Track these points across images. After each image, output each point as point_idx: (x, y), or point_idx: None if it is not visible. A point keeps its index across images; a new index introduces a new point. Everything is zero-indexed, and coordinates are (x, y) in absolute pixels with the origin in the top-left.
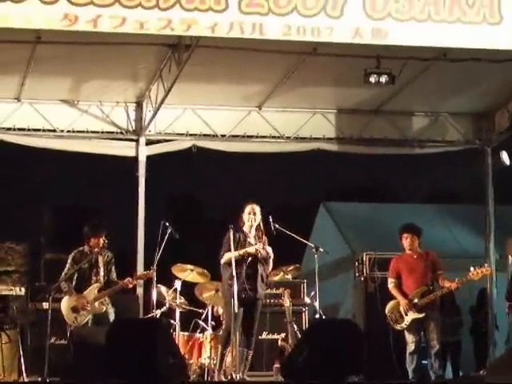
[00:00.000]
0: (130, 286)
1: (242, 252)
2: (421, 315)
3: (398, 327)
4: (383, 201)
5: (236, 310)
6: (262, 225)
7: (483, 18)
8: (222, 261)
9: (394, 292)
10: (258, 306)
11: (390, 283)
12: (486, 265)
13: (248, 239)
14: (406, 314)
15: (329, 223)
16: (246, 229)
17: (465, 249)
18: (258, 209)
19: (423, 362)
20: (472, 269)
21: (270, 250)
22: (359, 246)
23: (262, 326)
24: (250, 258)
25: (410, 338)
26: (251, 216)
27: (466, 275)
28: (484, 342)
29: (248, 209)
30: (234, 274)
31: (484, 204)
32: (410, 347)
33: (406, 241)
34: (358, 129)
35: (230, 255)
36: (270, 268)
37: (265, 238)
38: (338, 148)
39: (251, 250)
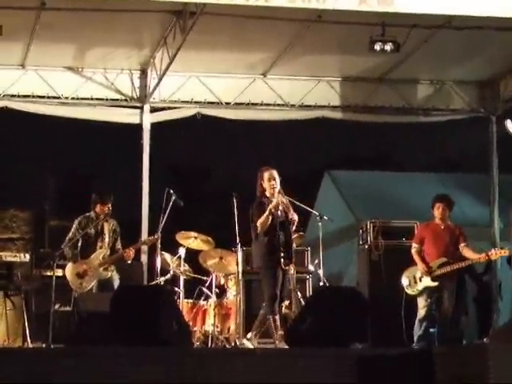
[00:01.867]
0: (129, 257)
1: (267, 213)
2: (434, 284)
3: (410, 291)
4: (387, 169)
5: (240, 277)
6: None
7: None
8: (258, 230)
9: (416, 257)
10: (290, 272)
11: (413, 248)
12: (507, 247)
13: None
14: (421, 280)
15: (333, 191)
16: (268, 195)
17: (469, 218)
18: (276, 173)
19: (431, 329)
20: (492, 250)
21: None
22: (363, 214)
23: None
24: (281, 220)
25: (421, 303)
26: (272, 182)
27: (488, 254)
28: (488, 310)
29: (267, 175)
30: (238, 239)
31: (488, 173)
32: (420, 313)
33: (438, 210)
34: (362, 97)
35: (260, 221)
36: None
37: (287, 201)
38: (343, 116)
39: (273, 203)
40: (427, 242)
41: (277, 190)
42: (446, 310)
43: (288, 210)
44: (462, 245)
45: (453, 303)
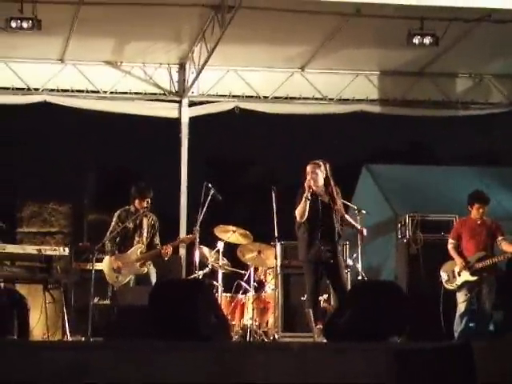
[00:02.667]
0: (166, 255)
1: (302, 203)
2: (473, 278)
3: (449, 286)
4: (426, 163)
5: (279, 271)
6: (331, 178)
7: None
8: (297, 219)
9: (452, 252)
10: (339, 261)
11: (450, 244)
12: None
13: (320, 197)
14: (459, 275)
15: (371, 185)
16: (314, 188)
17: (508, 211)
18: (318, 166)
19: (470, 324)
20: None
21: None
22: (402, 208)
23: (304, 287)
24: (323, 212)
25: (460, 298)
26: (308, 176)
27: None
28: None
29: (308, 168)
30: (276, 232)
31: None
32: (460, 308)
33: (477, 211)
34: (401, 90)
35: (297, 209)
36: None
37: (337, 190)
38: (381, 110)
39: (305, 193)
40: (464, 237)
41: (317, 183)
42: (486, 304)
43: (335, 202)
44: (500, 238)
45: (492, 297)
